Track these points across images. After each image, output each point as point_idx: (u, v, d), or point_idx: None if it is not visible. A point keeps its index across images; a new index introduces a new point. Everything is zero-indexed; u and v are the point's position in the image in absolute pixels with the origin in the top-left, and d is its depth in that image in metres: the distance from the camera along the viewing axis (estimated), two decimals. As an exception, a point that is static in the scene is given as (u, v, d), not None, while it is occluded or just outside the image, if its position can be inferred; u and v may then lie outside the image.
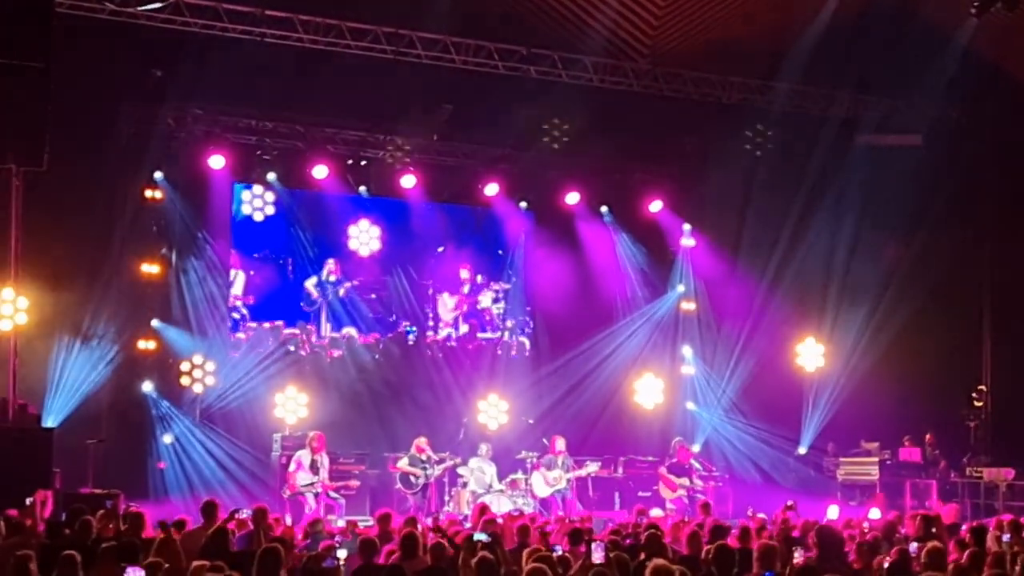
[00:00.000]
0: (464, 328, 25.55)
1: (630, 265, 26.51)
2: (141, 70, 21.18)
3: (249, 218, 23.97)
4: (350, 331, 24.42)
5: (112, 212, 21.75)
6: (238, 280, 23.75)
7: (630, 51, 23.23)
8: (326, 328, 24.29)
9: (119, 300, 21.71)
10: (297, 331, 24.04)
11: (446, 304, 25.46)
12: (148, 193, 22.37)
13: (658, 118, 24.25)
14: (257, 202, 23.95)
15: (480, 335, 25.71)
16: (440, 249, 25.42)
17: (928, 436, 24.69)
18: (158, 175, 22.37)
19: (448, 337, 25.43)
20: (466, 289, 25.60)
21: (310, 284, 24.23)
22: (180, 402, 22.48)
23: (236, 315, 23.71)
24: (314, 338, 24.17)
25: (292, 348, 23.92)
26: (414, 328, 25.08)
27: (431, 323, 25.30)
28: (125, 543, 10.85)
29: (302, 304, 24.21)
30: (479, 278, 25.78)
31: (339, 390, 23.68)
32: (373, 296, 24.85)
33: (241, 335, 23.66)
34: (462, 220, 25.71)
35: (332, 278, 24.31)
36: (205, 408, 22.59)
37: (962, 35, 22.46)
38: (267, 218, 23.99)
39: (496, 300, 25.84)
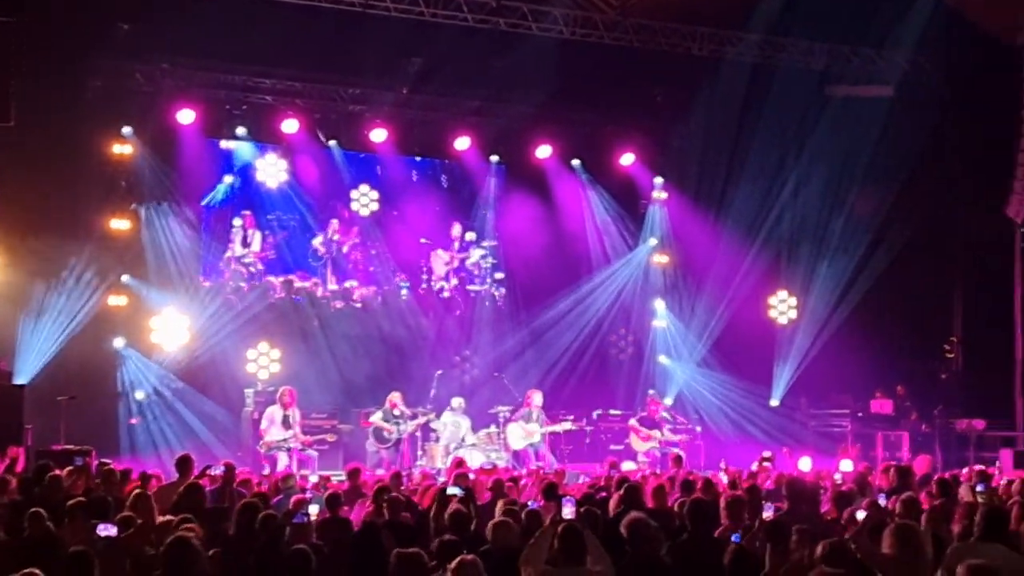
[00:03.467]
0: (454, 281, 25.62)
1: (602, 218, 26.48)
2: (109, 24, 20.92)
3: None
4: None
5: (81, 167, 21.48)
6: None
7: (600, 2, 23.08)
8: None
9: (89, 256, 21.50)
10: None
11: (440, 259, 25.54)
12: (117, 148, 22.15)
13: (629, 70, 24.13)
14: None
15: (469, 287, 25.76)
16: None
17: (899, 388, 24.86)
18: (127, 130, 22.15)
19: (440, 290, 25.54)
20: (456, 245, 25.66)
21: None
22: (152, 358, 22.37)
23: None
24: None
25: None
26: (408, 283, 25.29)
27: (424, 276, 25.46)
28: (95, 499, 10.82)
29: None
30: (468, 235, 25.79)
31: (315, 344, 23.73)
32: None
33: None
34: (451, 178, 25.91)
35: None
36: (177, 364, 22.48)
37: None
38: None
39: (484, 256, 25.82)
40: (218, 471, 13.64)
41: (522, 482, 15.25)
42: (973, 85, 24.37)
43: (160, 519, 10.45)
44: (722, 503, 10.83)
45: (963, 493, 13.19)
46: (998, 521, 9.14)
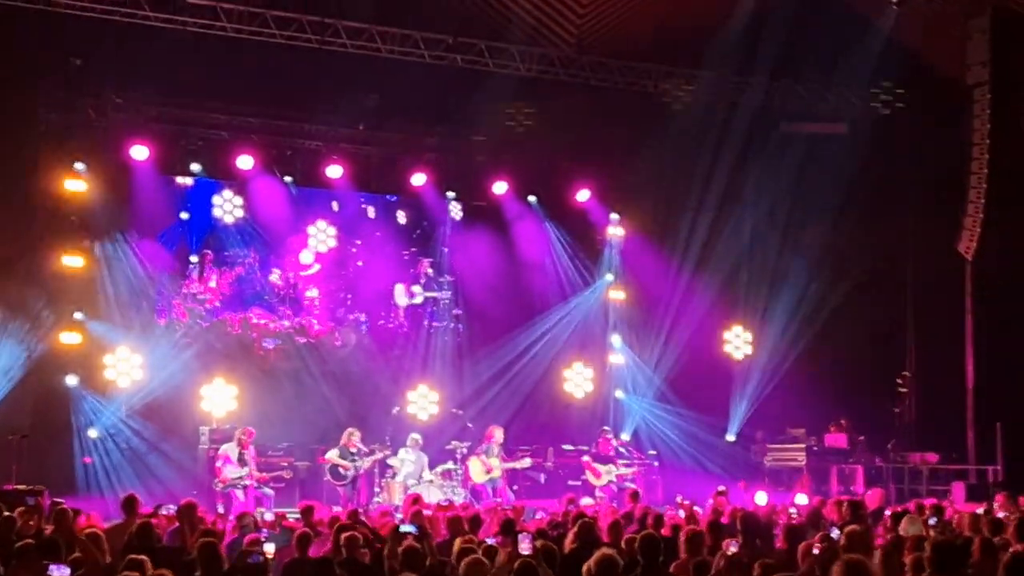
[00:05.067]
0: (413, 317, 25.63)
1: (559, 254, 26.53)
2: (61, 58, 20.84)
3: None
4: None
5: (32, 203, 21.35)
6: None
7: (556, 40, 23.25)
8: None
9: (40, 292, 21.33)
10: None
11: (400, 295, 25.54)
12: (70, 183, 21.93)
13: (584, 107, 24.32)
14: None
15: (427, 323, 25.75)
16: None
17: (843, 421, 25.02)
18: (79, 165, 21.96)
19: (399, 326, 25.52)
20: (422, 281, 25.71)
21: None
22: (106, 396, 22.16)
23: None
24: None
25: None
26: (366, 319, 25.29)
27: (383, 312, 25.49)
28: (46, 540, 10.67)
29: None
30: (430, 270, 25.81)
31: (272, 381, 23.66)
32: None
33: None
34: (408, 214, 25.94)
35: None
36: (132, 401, 22.27)
37: (885, 24, 22.69)
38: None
39: (442, 292, 25.83)
40: (170, 510, 13.47)
41: (480, 518, 15.18)
42: (924, 123, 24.68)
43: (119, 560, 10.32)
44: (682, 537, 10.86)
45: (904, 526, 13.17)
46: (948, 555, 9.19)
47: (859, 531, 10.40)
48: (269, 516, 15.73)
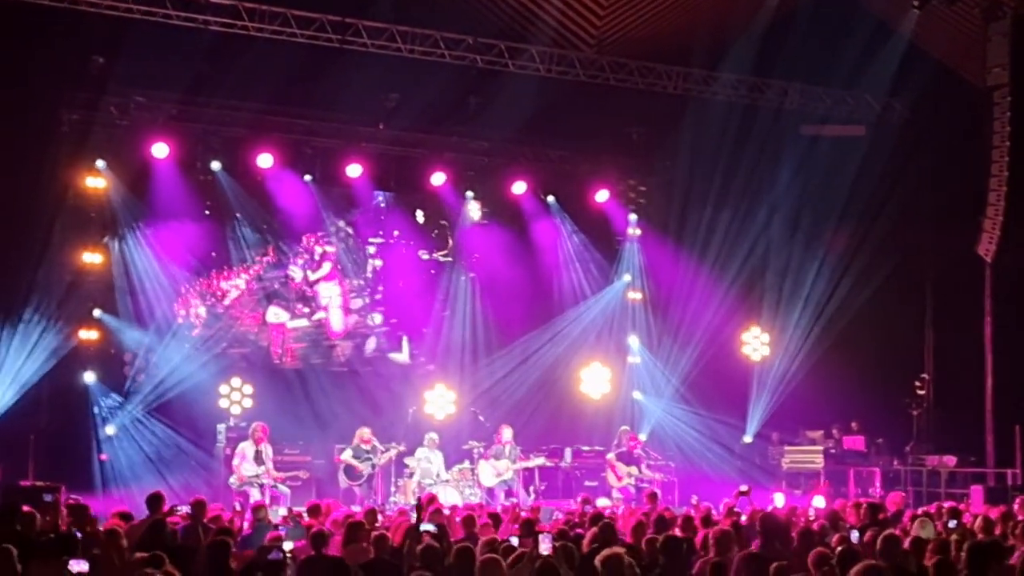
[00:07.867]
0: (431, 316, 25.69)
1: (577, 254, 26.52)
2: (83, 57, 20.90)
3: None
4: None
5: (53, 200, 21.38)
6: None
7: (576, 40, 23.22)
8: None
9: (60, 289, 21.41)
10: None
11: (415, 293, 25.58)
12: (90, 181, 22.07)
13: (604, 107, 24.30)
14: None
15: (444, 323, 25.80)
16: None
17: (854, 424, 24.99)
18: (100, 163, 22.08)
19: (414, 323, 25.54)
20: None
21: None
22: (123, 393, 22.23)
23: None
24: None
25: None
26: (382, 316, 25.37)
27: (401, 311, 25.53)
28: (64, 536, 10.71)
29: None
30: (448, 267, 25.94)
31: (289, 380, 23.81)
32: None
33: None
34: (426, 213, 25.85)
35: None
36: (149, 399, 22.33)
37: (905, 27, 22.63)
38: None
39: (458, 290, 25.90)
40: (186, 509, 13.49)
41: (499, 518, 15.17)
42: (944, 126, 24.55)
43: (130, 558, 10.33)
44: (711, 535, 10.81)
45: (915, 528, 13.11)
46: (982, 556, 9.12)
47: (894, 535, 10.36)
48: (283, 512, 15.77)
